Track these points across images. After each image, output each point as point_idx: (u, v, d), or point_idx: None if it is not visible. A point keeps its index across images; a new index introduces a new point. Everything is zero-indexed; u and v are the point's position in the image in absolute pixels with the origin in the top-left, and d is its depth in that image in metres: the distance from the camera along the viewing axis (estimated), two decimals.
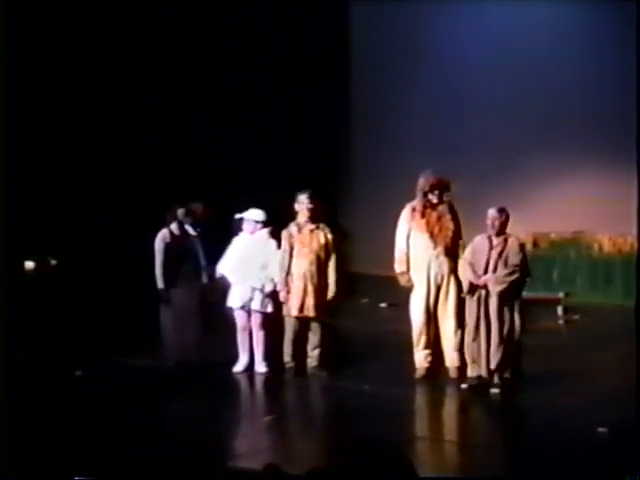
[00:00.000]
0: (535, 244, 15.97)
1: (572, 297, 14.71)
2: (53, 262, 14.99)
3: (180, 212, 10.79)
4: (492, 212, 9.79)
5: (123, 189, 15.29)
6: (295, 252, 10.41)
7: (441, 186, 10.27)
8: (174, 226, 10.75)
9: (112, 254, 14.75)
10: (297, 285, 10.37)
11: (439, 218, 10.24)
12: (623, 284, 15.07)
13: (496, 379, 9.64)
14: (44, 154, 14.58)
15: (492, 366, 9.61)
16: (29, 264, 14.61)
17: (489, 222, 9.76)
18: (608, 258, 15.59)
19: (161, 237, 10.71)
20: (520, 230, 15.59)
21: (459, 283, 10.03)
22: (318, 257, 10.39)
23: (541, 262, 15.53)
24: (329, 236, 10.46)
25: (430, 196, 10.25)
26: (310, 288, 10.35)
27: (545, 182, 16.60)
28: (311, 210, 10.39)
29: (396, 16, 17.60)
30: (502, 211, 9.82)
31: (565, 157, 16.28)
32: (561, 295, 14.60)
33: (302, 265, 10.38)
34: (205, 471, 6.74)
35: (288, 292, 10.39)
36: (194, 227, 10.84)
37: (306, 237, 10.42)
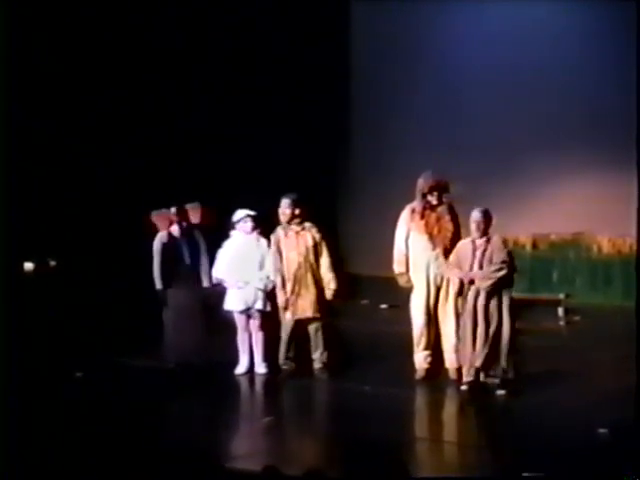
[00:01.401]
0: (535, 245, 15.98)
1: (572, 298, 14.69)
2: (53, 263, 14.98)
3: (173, 212, 10.75)
4: (477, 215, 9.77)
5: (123, 190, 15.28)
6: (284, 255, 10.41)
7: (440, 187, 10.26)
8: (173, 227, 10.74)
9: (112, 255, 14.74)
10: (292, 289, 10.38)
11: (438, 219, 10.23)
12: (623, 285, 15.07)
13: (482, 377, 9.63)
14: (44, 154, 14.57)
15: (477, 364, 9.60)
16: (29, 265, 14.61)
17: (474, 225, 9.75)
18: (608, 259, 15.59)
19: (159, 238, 10.71)
20: (520, 231, 15.78)
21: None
22: (307, 258, 10.38)
23: (541, 263, 15.55)
24: (317, 235, 10.44)
25: (429, 197, 10.25)
26: (302, 290, 10.34)
27: (545, 183, 16.60)
28: (292, 215, 10.40)
29: (396, 16, 17.60)
30: (486, 213, 9.81)
31: (565, 158, 16.27)
32: (561, 296, 14.58)
33: (292, 268, 10.38)
34: (205, 472, 6.73)
35: (284, 295, 10.40)
36: (188, 228, 10.76)
37: (292, 240, 10.41)
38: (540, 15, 16.64)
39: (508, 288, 9.73)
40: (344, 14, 18.21)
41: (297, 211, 10.42)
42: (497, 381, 9.66)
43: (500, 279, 9.63)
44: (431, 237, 10.21)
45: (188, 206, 10.83)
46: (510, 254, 9.85)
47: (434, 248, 10.19)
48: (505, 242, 10.03)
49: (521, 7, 16.81)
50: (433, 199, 10.24)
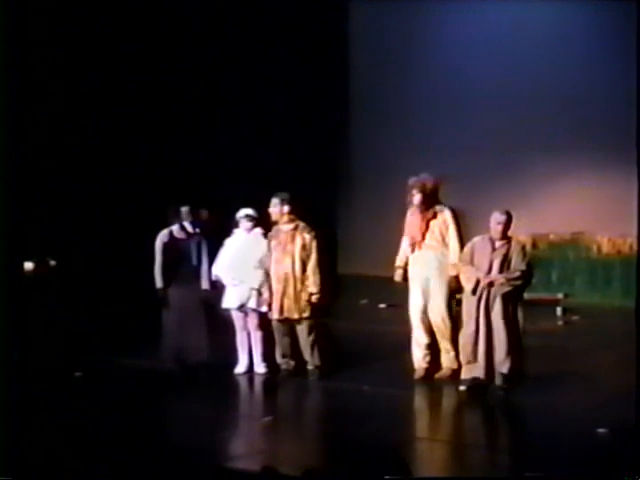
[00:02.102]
0: (534, 245, 15.97)
1: (571, 298, 14.70)
2: (52, 263, 14.96)
3: (184, 211, 10.78)
4: (498, 216, 9.71)
5: (123, 190, 15.29)
6: (274, 255, 10.42)
7: (419, 187, 10.20)
8: (175, 227, 10.76)
9: (111, 255, 14.75)
10: (276, 288, 10.38)
11: (422, 220, 10.21)
12: (622, 285, 15.08)
13: (502, 382, 9.62)
14: (44, 154, 14.57)
15: (504, 371, 9.58)
16: (28, 265, 14.59)
17: (497, 226, 9.67)
18: (607, 259, 15.60)
19: (160, 237, 10.74)
20: (519, 231, 15.77)
21: (446, 285, 10.07)
22: (296, 259, 10.34)
23: (540, 263, 15.50)
24: (307, 237, 10.40)
25: (411, 196, 10.24)
26: (289, 290, 10.33)
27: (544, 183, 16.63)
28: (279, 214, 10.40)
29: (396, 16, 17.63)
30: (507, 214, 9.78)
31: (565, 158, 16.30)
32: (560, 296, 14.58)
33: (280, 268, 10.38)
34: (205, 472, 6.73)
35: (270, 295, 10.41)
36: (194, 227, 10.79)
37: (282, 240, 10.40)
38: (540, 15, 16.67)
39: (521, 294, 9.74)
40: (343, 14, 18.23)
41: (285, 209, 10.41)
42: (503, 384, 9.66)
43: (517, 287, 9.61)
44: (413, 237, 10.26)
45: (194, 210, 10.84)
46: (529, 264, 9.78)
47: (414, 249, 10.25)
48: (525, 249, 9.99)
49: (521, 7, 16.83)
50: (413, 199, 10.23)
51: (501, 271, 9.60)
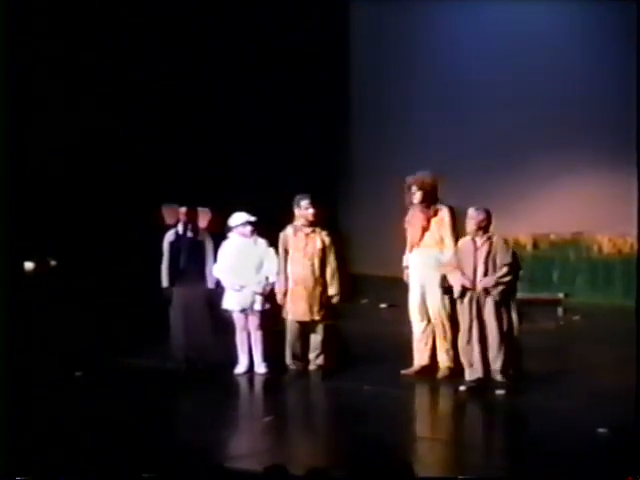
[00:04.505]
0: (535, 245, 15.99)
1: (572, 298, 14.69)
2: (53, 262, 14.98)
3: (182, 211, 10.79)
4: (473, 213, 9.71)
5: (124, 189, 15.28)
6: (290, 256, 10.37)
7: (419, 185, 10.21)
8: (180, 226, 10.78)
9: (112, 254, 14.74)
10: (292, 289, 10.34)
11: (423, 218, 10.21)
12: (623, 285, 15.08)
13: (500, 377, 9.61)
14: (44, 154, 14.56)
15: (497, 367, 9.59)
16: (29, 264, 14.61)
17: (471, 222, 9.67)
18: (608, 259, 15.60)
19: (167, 236, 10.80)
20: (520, 231, 15.78)
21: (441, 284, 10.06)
22: (312, 261, 10.31)
23: (541, 263, 15.55)
24: (326, 239, 10.37)
25: (410, 194, 10.24)
26: (305, 292, 10.29)
27: (545, 183, 16.61)
28: (312, 215, 10.34)
29: (397, 17, 17.61)
30: (483, 211, 9.76)
31: (565, 157, 16.28)
32: (561, 296, 14.58)
33: (297, 269, 10.33)
34: (204, 472, 6.73)
35: (285, 296, 10.38)
36: (196, 229, 10.79)
37: (301, 241, 10.35)
38: (540, 15, 16.66)
39: (514, 289, 9.74)
40: (344, 14, 18.23)
41: (316, 210, 10.35)
42: (501, 379, 9.65)
43: (507, 283, 9.61)
44: (411, 235, 10.27)
45: (198, 209, 10.85)
46: (514, 255, 9.79)
47: (411, 248, 10.27)
48: (507, 242, 9.98)
49: (521, 7, 16.82)
50: (413, 197, 10.23)
51: (486, 269, 9.59)
